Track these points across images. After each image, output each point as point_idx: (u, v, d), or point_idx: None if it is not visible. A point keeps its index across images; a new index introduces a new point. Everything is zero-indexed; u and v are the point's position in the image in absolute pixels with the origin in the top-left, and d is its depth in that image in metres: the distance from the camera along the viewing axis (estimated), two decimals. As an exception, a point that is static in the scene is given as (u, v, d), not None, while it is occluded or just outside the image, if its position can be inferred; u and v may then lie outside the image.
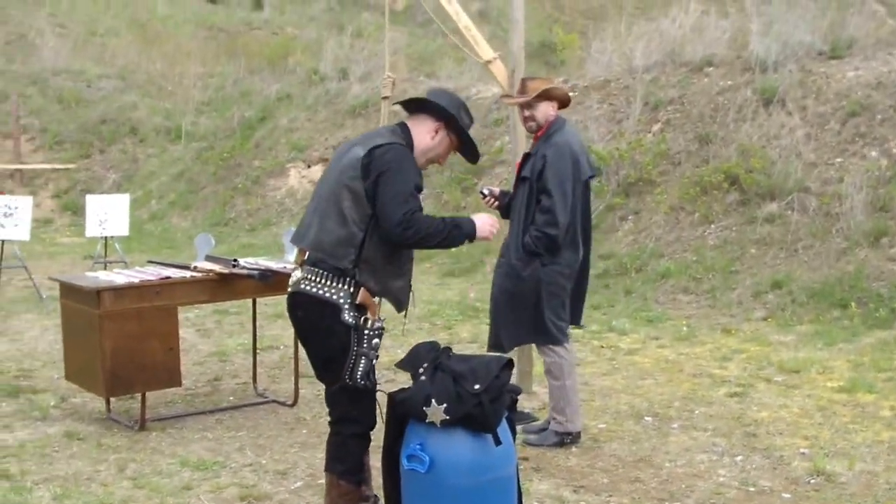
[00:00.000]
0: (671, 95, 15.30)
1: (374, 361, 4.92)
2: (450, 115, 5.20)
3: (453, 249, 15.21)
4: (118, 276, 7.26)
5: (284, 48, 27.22)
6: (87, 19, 29.86)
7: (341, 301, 4.88)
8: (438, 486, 4.50)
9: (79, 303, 7.15)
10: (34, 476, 6.29)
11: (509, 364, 4.66)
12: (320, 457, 6.55)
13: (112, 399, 7.64)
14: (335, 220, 4.94)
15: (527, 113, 6.93)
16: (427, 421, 4.50)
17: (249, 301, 9.82)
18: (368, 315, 4.91)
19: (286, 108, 22.35)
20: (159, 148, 23.25)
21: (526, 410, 7.65)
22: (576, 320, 7.10)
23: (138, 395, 7.32)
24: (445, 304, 12.22)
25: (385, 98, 7.94)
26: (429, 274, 14.59)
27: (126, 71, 26.27)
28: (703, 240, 12.84)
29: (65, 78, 25.16)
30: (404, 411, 4.62)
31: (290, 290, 5.08)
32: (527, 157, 6.93)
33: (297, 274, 5.04)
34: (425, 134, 5.21)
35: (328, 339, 4.94)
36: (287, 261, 14.35)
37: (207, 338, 10.58)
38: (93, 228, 13.88)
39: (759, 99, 14.15)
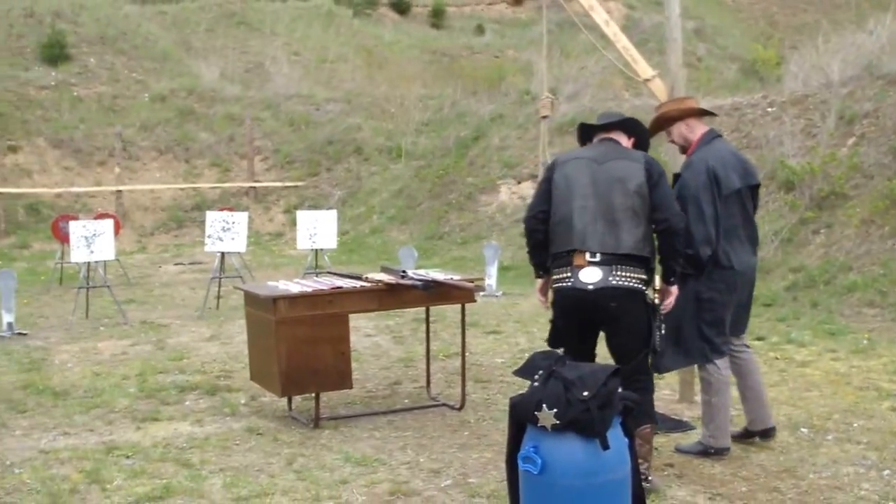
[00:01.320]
0: (866, 109, 14.77)
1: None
2: (642, 132, 6.26)
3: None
4: (294, 286, 7.56)
5: (500, 70, 27.52)
6: (318, 47, 30.96)
7: (643, 288, 5.80)
8: (550, 486, 4.54)
9: (258, 310, 7.50)
10: (211, 466, 6.64)
11: (617, 372, 4.66)
12: (475, 457, 6.75)
13: (295, 399, 7.99)
14: (632, 223, 5.77)
15: (668, 138, 6.91)
16: (539, 424, 4.55)
17: (447, 310, 10.11)
18: (655, 295, 5.95)
19: (498, 128, 22.60)
20: (381, 166, 23.86)
21: (685, 419, 7.58)
22: (739, 331, 6.84)
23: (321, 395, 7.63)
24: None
25: (544, 118, 8.00)
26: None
27: (352, 94, 27.08)
28: (892, 253, 12.34)
29: (295, 102, 26.16)
30: (519, 414, 4.68)
31: (591, 287, 5.70)
32: (676, 177, 6.78)
33: (597, 275, 5.71)
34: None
35: (638, 320, 5.83)
36: (489, 273, 14.65)
37: (401, 344, 10.85)
38: (304, 241, 14.42)
39: (956, 110, 13.54)
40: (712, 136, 6.74)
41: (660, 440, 7.00)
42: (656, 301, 5.99)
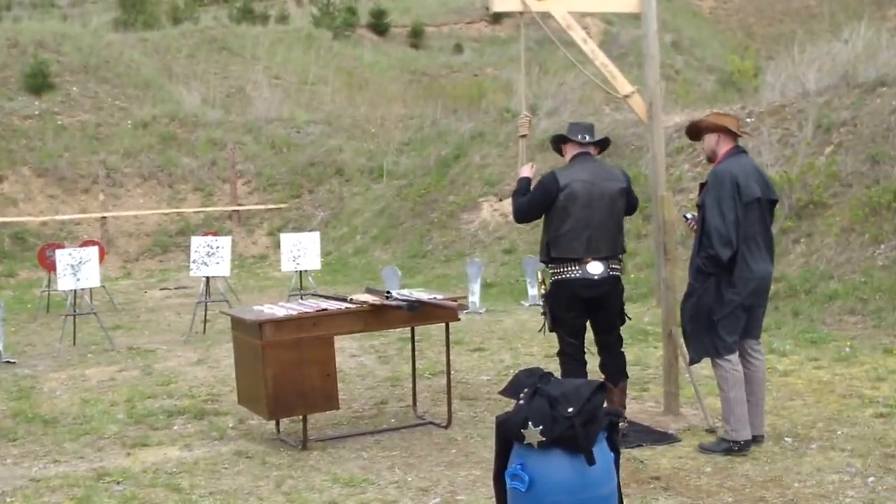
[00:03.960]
0: (844, 117, 14.83)
1: None
2: (604, 142, 7.74)
3: (632, 276, 15.17)
4: (280, 310, 7.56)
5: (479, 88, 27.60)
6: (298, 70, 30.98)
7: (621, 275, 7.55)
8: (538, 503, 4.55)
9: (245, 334, 7.51)
10: (201, 490, 6.65)
11: (601, 388, 4.67)
12: (463, 474, 6.76)
13: (283, 420, 7.98)
14: (618, 230, 7.47)
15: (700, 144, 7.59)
16: (525, 442, 4.56)
17: (431, 328, 10.12)
18: None
19: (479, 146, 22.60)
20: (363, 186, 23.85)
21: (670, 431, 7.61)
22: (754, 334, 7.25)
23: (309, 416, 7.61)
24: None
25: (522, 136, 8.09)
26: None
27: (332, 116, 27.07)
28: (872, 260, 12.39)
29: (276, 125, 26.13)
30: (506, 432, 4.69)
31: (596, 278, 7.32)
32: (702, 186, 7.24)
33: (600, 267, 7.33)
34: None
35: (620, 299, 7.61)
36: (473, 290, 14.65)
37: (386, 364, 10.83)
38: (287, 264, 14.41)
39: (931, 118, 13.60)
40: (738, 151, 7.19)
41: (645, 453, 7.04)
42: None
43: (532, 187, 7.63)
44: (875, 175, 13.53)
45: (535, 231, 18.48)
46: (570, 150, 7.60)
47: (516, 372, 4.95)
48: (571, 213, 7.28)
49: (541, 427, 4.50)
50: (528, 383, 4.74)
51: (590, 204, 7.28)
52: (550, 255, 7.42)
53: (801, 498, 6.03)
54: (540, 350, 11.18)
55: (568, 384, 4.71)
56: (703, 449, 7.07)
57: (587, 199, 7.28)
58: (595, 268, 7.32)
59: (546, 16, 7.84)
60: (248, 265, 21.54)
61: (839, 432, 7.38)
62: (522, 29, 8.44)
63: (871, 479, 6.32)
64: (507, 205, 20.08)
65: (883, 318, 11.13)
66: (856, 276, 12.28)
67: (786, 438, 7.28)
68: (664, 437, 7.46)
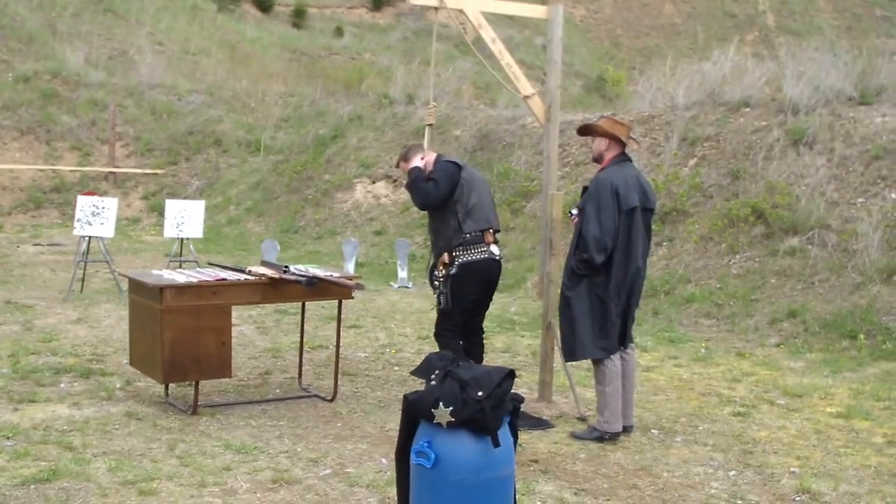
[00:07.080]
0: (708, 133, 15.30)
1: None
2: None
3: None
4: (180, 276, 7.47)
5: (359, 73, 27.54)
6: (182, 39, 30.40)
7: None
8: (442, 480, 4.61)
9: (144, 297, 7.38)
10: (94, 449, 6.52)
11: (510, 374, 4.77)
12: (350, 447, 6.79)
13: (171, 385, 7.88)
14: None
15: (590, 143, 7.64)
16: (435, 421, 4.62)
17: (308, 303, 10.07)
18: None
19: (357, 128, 22.59)
20: (240, 159, 23.61)
21: (544, 417, 7.77)
22: (621, 339, 7.39)
23: (193, 383, 7.53)
24: (486, 317, 12.28)
25: (430, 125, 8.11)
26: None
27: (214, 87, 26.69)
28: (727, 268, 12.83)
29: (158, 92, 25.66)
30: (416, 411, 4.74)
31: (498, 258, 7.61)
32: (585, 189, 7.34)
33: (497, 248, 7.62)
34: None
35: None
36: (347, 269, 14.66)
37: (265, 335, 10.77)
38: (170, 230, 14.16)
39: (789, 140, 14.11)
40: (623, 159, 7.31)
41: (522, 437, 7.15)
42: None
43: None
44: (735, 189, 14.00)
45: (405, 214, 18.63)
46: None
47: (427, 355, 5.02)
48: (474, 190, 7.50)
49: (451, 408, 4.58)
50: (439, 365, 4.81)
51: (480, 184, 7.65)
52: (464, 231, 7.42)
53: (671, 487, 6.24)
54: (413, 331, 11.29)
55: (479, 369, 4.80)
56: (576, 436, 7.27)
57: (477, 180, 7.63)
58: (496, 249, 7.59)
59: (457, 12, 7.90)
60: (121, 227, 21.02)
61: (701, 427, 7.65)
62: (436, 25, 8.47)
63: (732, 472, 6.58)
64: (380, 187, 20.20)
65: (736, 324, 11.55)
66: (712, 281, 12.71)
67: (652, 430, 7.51)
68: (540, 423, 7.61)
